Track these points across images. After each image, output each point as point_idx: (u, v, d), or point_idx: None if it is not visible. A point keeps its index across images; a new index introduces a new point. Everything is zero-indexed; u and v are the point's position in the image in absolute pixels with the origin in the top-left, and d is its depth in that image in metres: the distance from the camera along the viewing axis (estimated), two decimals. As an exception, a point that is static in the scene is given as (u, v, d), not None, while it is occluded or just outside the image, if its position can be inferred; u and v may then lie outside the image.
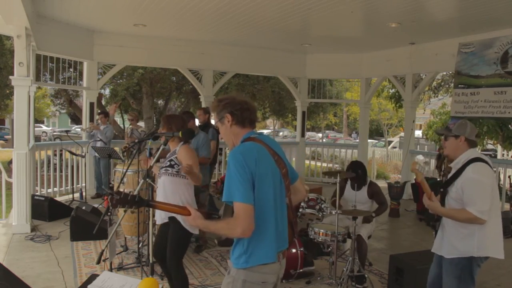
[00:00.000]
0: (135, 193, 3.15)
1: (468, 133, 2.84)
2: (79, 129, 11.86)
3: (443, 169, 7.22)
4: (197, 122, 5.75)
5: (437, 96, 15.80)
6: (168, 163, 3.46)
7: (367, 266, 4.85)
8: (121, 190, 2.21)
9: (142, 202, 2.20)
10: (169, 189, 3.42)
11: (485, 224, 2.72)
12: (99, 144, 7.57)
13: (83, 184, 8.39)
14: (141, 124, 16.74)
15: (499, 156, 17.24)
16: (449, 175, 2.96)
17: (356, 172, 4.81)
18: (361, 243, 4.37)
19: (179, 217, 3.27)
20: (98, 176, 8.03)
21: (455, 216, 2.80)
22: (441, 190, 2.94)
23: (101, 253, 3.36)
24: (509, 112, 6.73)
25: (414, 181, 8.36)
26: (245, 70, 11.22)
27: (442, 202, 2.94)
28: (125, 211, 3.93)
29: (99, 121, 8.04)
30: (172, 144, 3.52)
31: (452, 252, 2.86)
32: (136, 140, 7.22)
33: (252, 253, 2.04)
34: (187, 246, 3.53)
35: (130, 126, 7.97)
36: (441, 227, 3.00)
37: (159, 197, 3.48)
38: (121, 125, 16.56)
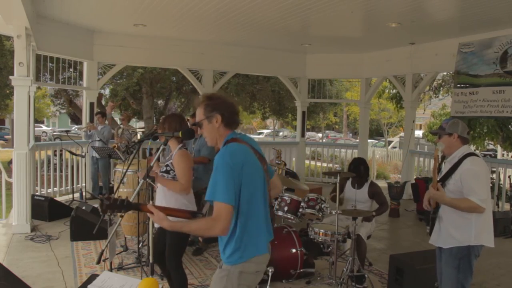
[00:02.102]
0: (135, 193, 3.18)
1: (460, 131, 3.03)
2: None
3: (442, 168, 7.22)
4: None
5: (437, 97, 15.79)
6: (165, 168, 3.47)
7: (367, 266, 4.85)
8: (112, 195, 2.22)
9: (130, 206, 2.22)
10: (167, 194, 3.44)
11: (480, 213, 2.87)
12: (98, 144, 7.56)
13: (83, 184, 8.38)
14: (142, 124, 16.72)
15: (499, 156, 17.23)
16: (445, 170, 3.11)
17: (359, 169, 4.81)
18: (360, 242, 4.36)
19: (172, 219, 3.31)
20: (95, 177, 8.02)
21: (458, 205, 2.91)
22: (440, 183, 3.05)
23: (101, 253, 3.35)
24: (507, 112, 6.74)
25: (414, 181, 8.37)
26: (245, 70, 11.21)
27: None
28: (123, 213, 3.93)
29: (97, 121, 8.02)
30: (172, 144, 3.52)
31: (450, 242, 2.99)
32: (136, 141, 7.23)
33: (246, 248, 2.14)
34: (184, 247, 3.55)
35: (121, 125, 7.88)
36: (438, 219, 3.12)
37: (158, 199, 3.50)
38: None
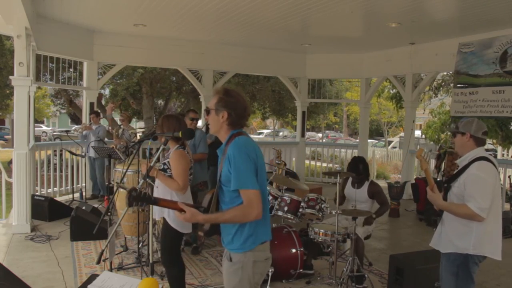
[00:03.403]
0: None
1: (474, 130, 2.87)
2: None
3: (442, 169, 7.22)
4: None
5: (437, 96, 15.80)
6: (162, 166, 3.48)
7: (367, 266, 4.85)
8: (137, 187, 2.26)
9: (150, 199, 2.28)
10: (164, 191, 3.47)
11: (483, 222, 2.73)
12: (97, 143, 7.54)
13: (83, 184, 8.38)
14: (142, 124, 16.70)
15: (499, 156, 17.23)
16: (455, 172, 2.99)
17: (357, 167, 4.80)
18: (357, 241, 4.36)
19: (166, 217, 3.37)
20: (94, 177, 8.01)
21: (454, 210, 2.82)
22: (445, 185, 2.96)
23: (101, 253, 3.35)
24: (506, 111, 6.74)
25: (414, 181, 8.37)
26: (245, 70, 11.22)
27: (445, 198, 2.97)
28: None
29: (91, 121, 7.98)
30: (170, 144, 3.52)
31: (449, 247, 2.89)
32: (136, 141, 7.22)
33: (258, 233, 2.26)
34: (178, 244, 3.58)
35: (121, 126, 7.86)
36: (440, 222, 3.03)
37: (156, 195, 3.53)
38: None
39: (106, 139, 7.97)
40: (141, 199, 2.19)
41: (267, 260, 2.33)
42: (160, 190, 3.48)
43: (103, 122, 8.52)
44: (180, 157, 3.41)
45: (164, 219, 3.44)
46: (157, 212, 3.63)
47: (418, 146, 18.45)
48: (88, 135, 7.85)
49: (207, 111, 2.36)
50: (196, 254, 5.14)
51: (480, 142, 2.91)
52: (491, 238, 2.80)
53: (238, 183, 2.16)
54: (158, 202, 2.35)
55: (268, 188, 4.44)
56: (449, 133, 11.10)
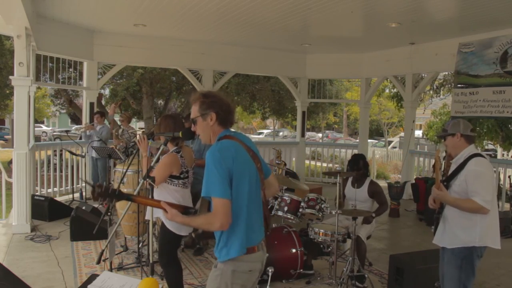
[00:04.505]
0: (135, 193, 3.18)
1: (462, 129, 3.03)
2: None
3: (442, 169, 7.22)
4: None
5: (438, 96, 15.79)
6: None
7: (367, 266, 4.84)
8: (103, 184, 2.27)
9: (121, 195, 2.25)
10: (163, 191, 3.48)
11: (486, 215, 2.86)
12: (97, 143, 7.54)
13: (83, 184, 8.38)
14: (142, 124, 16.70)
15: (499, 156, 17.23)
16: (450, 171, 3.11)
17: (358, 163, 4.81)
18: (360, 243, 4.36)
19: (163, 219, 3.37)
20: (95, 177, 8.00)
21: (461, 204, 2.92)
22: (444, 184, 3.05)
23: (101, 253, 3.36)
24: (507, 112, 6.74)
25: (414, 181, 8.36)
26: (245, 70, 11.21)
27: None
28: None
29: (96, 121, 7.98)
30: (169, 145, 3.52)
31: (455, 242, 2.99)
32: (135, 141, 7.19)
33: (232, 245, 2.15)
34: (175, 246, 3.58)
35: (121, 126, 7.84)
36: (442, 219, 3.11)
37: (156, 197, 3.54)
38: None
39: (109, 139, 7.96)
40: (109, 195, 2.18)
41: (251, 272, 2.21)
42: (159, 190, 3.48)
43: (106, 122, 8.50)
44: (169, 160, 3.40)
45: (161, 221, 3.44)
46: (149, 212, 3.64)
47: (419, 146, 18.47)
48: (91, 135, 7.85)
49: (194, 122, 2.30)
50: (199, 255, 5.13)
51: (470, 139, 3.05)
52: (492, 229, 2.96)
53: (206, 190, 2.09)
54: (133, 198, 2.33)
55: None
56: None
